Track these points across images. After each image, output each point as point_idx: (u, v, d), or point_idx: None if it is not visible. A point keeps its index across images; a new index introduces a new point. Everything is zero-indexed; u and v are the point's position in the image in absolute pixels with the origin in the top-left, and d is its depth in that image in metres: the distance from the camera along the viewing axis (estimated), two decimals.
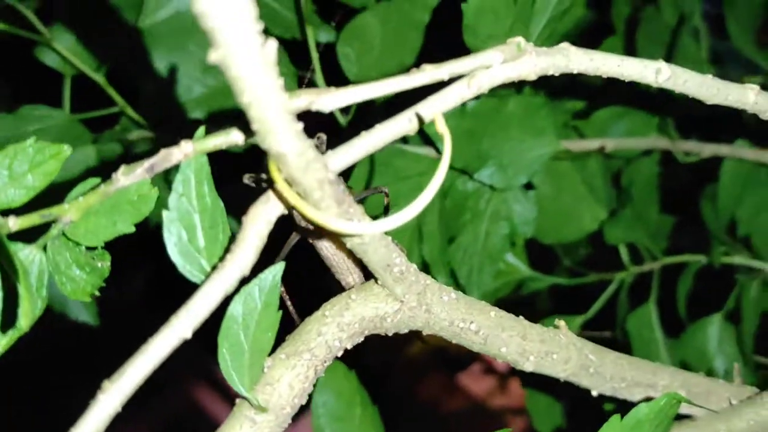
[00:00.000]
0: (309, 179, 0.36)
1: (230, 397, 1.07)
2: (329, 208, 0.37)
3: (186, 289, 0.36)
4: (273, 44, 0.31)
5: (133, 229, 0.40)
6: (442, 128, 0.36)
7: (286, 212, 0.38)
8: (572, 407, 0.86)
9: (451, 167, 0.77)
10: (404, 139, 0.80)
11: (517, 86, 0.76)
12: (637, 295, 0.87)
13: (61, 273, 0.38)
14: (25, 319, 0.32)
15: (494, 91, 0.76)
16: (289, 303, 0.47)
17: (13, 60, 0.84)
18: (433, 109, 0.39)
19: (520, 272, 0.86)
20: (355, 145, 0.39)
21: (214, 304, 0.36)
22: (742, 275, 0.83)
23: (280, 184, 0.36)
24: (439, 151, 0.77)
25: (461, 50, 0.41)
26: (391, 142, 0.40)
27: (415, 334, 0.47)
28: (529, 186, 0.82)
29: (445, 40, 0.85)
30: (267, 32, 0.80)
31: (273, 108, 0.32)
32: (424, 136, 0.78)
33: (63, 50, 0.76)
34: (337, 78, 0.79)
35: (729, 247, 0.83)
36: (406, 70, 0.40)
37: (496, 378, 1.31)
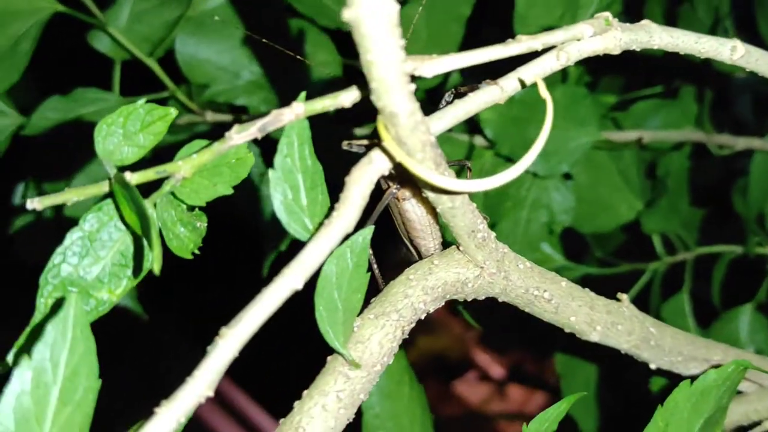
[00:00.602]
0: (414, 140, 0.37)
1: (230, 410, 1.08)
2: (429, 169, 0.38)
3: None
4: (397, 7, 0.32)
5: (231, 191, 0.42)
6: (544, 92, 0.38)
7: (385, 174, 0.40)
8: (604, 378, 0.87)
9: (497, 154, 0.79)
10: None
11: (563, 76, 0.78)
12: (669, 285, 0.88)
13: (168, 229, 0.40)
14: (156, 264, 0.33)
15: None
16: (375, 267, 0.49)
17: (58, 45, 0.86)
18: (527, 76, 0.41)
19: (555, 261, 0.88)
20: (450, 112, 0.41)
21: (322, 258, 0.38)
22: None
23: (389, 143, 0.37)
24: (486, 138, 0.79)
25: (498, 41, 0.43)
26: (484, 108, 0.42)
27: (409, 341, 0.49)
28: (567, 176, 0.83)
29: (485, 33, 0.87)
30: (314, 22, 0.82)
31: (393, 68, 0.34)
32: (471, 124, 0.80)
33: (117, 34, 0.77)
34: None
35: (761, 238, 0.85)
36: None
37: (492, 385, 1.31)
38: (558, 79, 0.78)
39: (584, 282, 0.95)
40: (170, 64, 0.81)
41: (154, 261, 0.33)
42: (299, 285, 0.37)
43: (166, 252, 0.41)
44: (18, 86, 0.78)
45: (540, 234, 0.83)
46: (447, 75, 0.80)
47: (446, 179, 0.37)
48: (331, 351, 0.43)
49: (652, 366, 0.56)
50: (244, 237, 0.95)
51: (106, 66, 0.81)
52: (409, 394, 0.72)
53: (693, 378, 0.50)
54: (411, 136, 0.37)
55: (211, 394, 0.35)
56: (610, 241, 0.96)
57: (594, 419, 0.87)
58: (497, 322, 1.11)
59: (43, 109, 0.75)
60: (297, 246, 0.39)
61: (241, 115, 0.83)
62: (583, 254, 0.95)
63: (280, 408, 0.44)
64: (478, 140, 0.81)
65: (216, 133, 0.85)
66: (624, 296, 0.54)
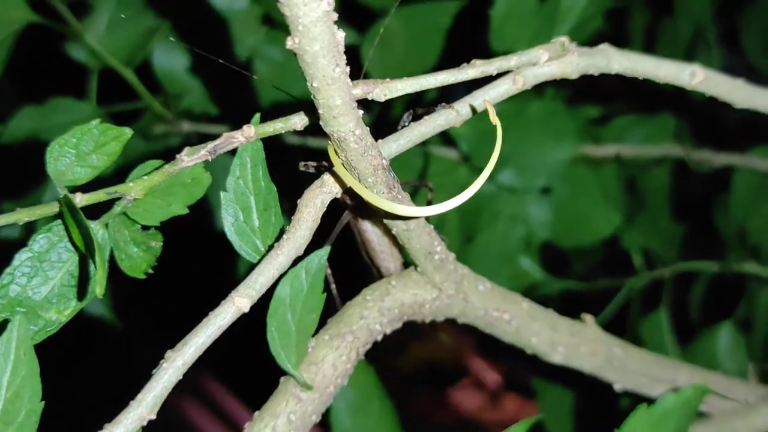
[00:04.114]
0: (365, 164, 0.37)
1: (218, 412, 1.08)
2: (381, 193, 0.38)
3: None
4: (342, 35, 0.32)
5: (186, 211, 0.42)
6: (494, 118, 0.38)
7: (338, 196, 0.40)
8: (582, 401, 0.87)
9: (473, 167, 0.79)
10: (424, 142, 0.81)
11: (539, 90, 0.78)
12: (648, 300, 0.88)
13: (120, 249, 0.40)
14: (99, 288, 0.33)
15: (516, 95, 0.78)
16: (333, 286, 0.49)
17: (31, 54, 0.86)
18: (480, 101, 0.41)
19: (533, 275, 0.87)
20: (405, 135, 0.41)
21: (271, 281, 0.38)
22: (752, 283, 0.85)
23: (339, 168, 0.37)
24: (462, 151, 0.79)
25: (479, 54, 0.43)
26: (439, 131, 0.42)
27: (402, 348, 0.49)
28: (545, 190, 0.83)
29: (465, 44, 0.87)
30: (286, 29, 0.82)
31: (339, 95, 0.34)
32: (445, 137, 0.80)
33: (94, 44, 0.77)
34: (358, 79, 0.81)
35: (740, 255, 0.85)
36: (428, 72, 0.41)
37: (487, 393, 1.31)
38: (534, 94, 0.78)
39: (563, 297, 0.95)
40: (147, 74, 0.81)
41: (97, 284, 0.33)
42: (246, 308, 0.37)
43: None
44: None
45: (517, 248, 0.83)
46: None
47: (395, 205, 0.37)
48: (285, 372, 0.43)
49: (617, 387, 0.56)
50: (221, 245, 0.94)
51: (83, 75, 0.81)
52: (378, 409, 0.72)
53: (655, 400, 0.50)
54: (361, 160, 0.37)
55: (153, 417, 0.35)
56: (590, 256, 0.96)
57: None
58: None
59: (18, 119, 0.76)
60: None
61: (217, 124, 0.83)
62: (562, 269, 0.95)
63: (258, 400, 0.43)
64: (452, 154, 0.81)
65: (191, 142, 0.85)
66: (588, 317, 0.54)
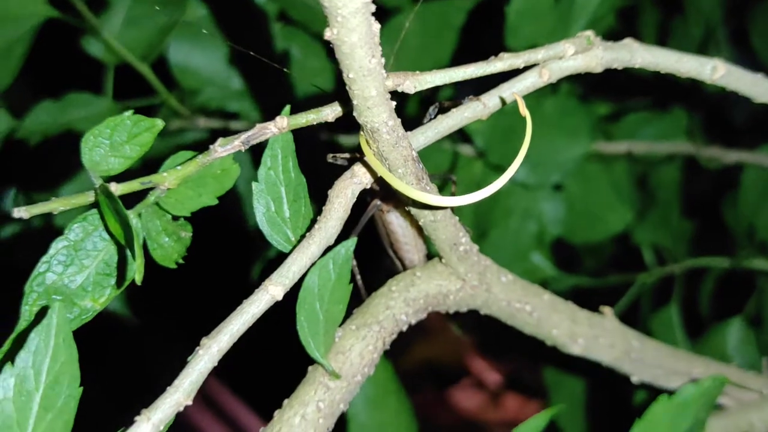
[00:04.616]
0: (396, 155, 0.38)
1: (217, 410, 1.08)
2: (410, 184, 0.39)
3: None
4: (378, 26, 0.33)
5: (216, 202, 0.42)
6: (524, 110, 0.39)
7: (368, 187, 0.41)
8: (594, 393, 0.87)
9: (487, 163, 0.79)
10: None
11: (553, 87, 0.78)
12: (658, 296, 0.89)
13: (152, 239, 0.40)
14: (138, 275, 0.34)
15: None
16: (358, 278, 0.49)
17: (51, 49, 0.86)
18: (508, 93, 0.42)
19: (545, 271, 0.88)
20: (433, 127, 0.41)
21: (303, 270, 0.38)
22: (762, 279, 0.85)
23: (370, 158, 0.38)
24: (476, 148, 0.80)
25: (492, 53, 0.44)
26: (466, 124, 0.42)
27: (403, 348, 0.49)
28: (558, 187, 0.84)
29: (478, 42, 0.88)
30: (306, 29, 0.83)
31: (374, 86, 0.34)
32: (461, 133, 0.81)
33: (111, 39, 0.78)
34: None
35: (749, 251, 0.86)
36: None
37: (488, 393, 1.31)
38: (549, 91, 0.79)
39: (574, 293, 0.96)
40: (163, 70, 0.82)
41: (136, 272, 0.34)
42: (279, 296, 0.37)
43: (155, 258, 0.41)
44: (10, 90, 0.79)
45: (530, 244, 0.84)
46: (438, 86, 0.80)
47: (425, 194, 0.37)
48: (313, 360, 0.43)
49: (634, 379, 0.56)
50: (235, 242, 0.95)
51: (99, 71, 0.82)
52: (395, 404, 0.73)
53: (672, 392, 0.50)
54: (392, 151, 0.38)
55: (189, 402, 0.35)
56: (601, 252, 0.96)
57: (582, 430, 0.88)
58: (493, 329, 1.11)
59: (36, 113, 0.76)
60: (285, 253, 0.39)
61: (232, 120, 0.84)
62: (573, 265, 0.95)
63: (268, 409, 0.44)
64: (467, 150, 0.82)
65: (207, 139, 0.85)
66: (607, 309, 0.54)
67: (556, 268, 0.89)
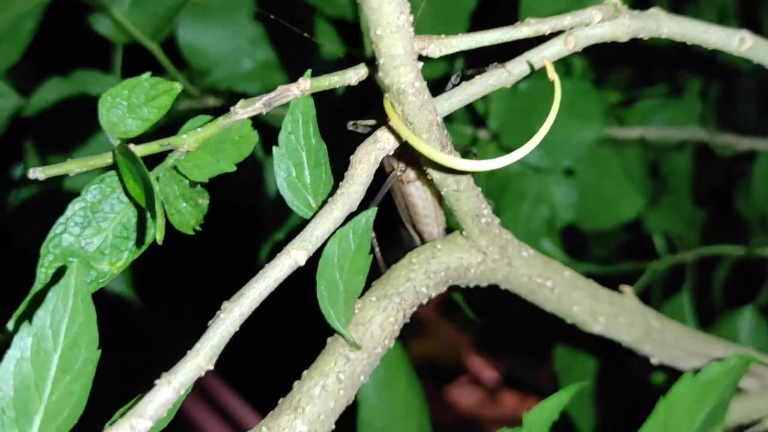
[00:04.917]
0: (421, 119, 0.37)
1: (221, 411, 1.07)
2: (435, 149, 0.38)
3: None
4: None
5: (234, 169, 0.42)
6: (552, 74, 0.38)
7: (391, 152, 0.40)
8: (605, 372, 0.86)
9: (500, 146, 0.78)
10: (449, 118, 0.81)
11: (567, 70, 0.78)
12: (669, 284, 0.88)
13: (170, 204, 0.39)
14: (159, 234, 0.33)
15: (545, 74, 0.78)
16: (377, 250, 0.48)
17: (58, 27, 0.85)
18: (536, 59, 0.41)
19: (555, 257, 0.87)
20: (457, 94, 0.41)
21: (326, 235, 0.38)
22: None
23: (395, 121, 0.37)
24: (489, 130, 0.79)
25: None
26: (491, 91, 0.41)
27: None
28: (570, 172, 0.83)
29: (490, 26, 0.87)
30: (318, 11, 0.82)
31: (402, 44, 0.33)
32: (474, 116, 0.80)
33: (120, 17, 0.77)
34: None
35: (763, 239, 0.85)
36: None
37: (485, 390, 1.30)
38: (562, 74, 0.78)
39: None
40: (172, 49, 0.81)
41: (157, 231, 0.33)
42: (301, 261, 0.37)
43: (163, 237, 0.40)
44: (17, 68, 0.78)
45: (540, 230, 0.83)
46: (451, 65, 0.79)
47: (452, 158, 0.37)
48: (327, 336, 0.42)
49: (654, 360, 0.55)
50: (241, 224, 0.94)
51: (107, 49, 0.81)
52: (406, 385, 0.72)
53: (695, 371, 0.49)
54: (418, 114, 0.37)
55: (211, 367, 0.34)
56: (611, 240, 0.96)
57: (591, 418, 0.87)
58: (491, 326, 1.10)
59: (43, 91, 0.75)
60: (295, 234, 0.38)
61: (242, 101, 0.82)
62: (583, 252, 0.94)
63: (265, 404, 0.43)
64: (482, 134, 0.81)
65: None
66: (627, 288, 0.54)
67: (566, 256, 0.88)
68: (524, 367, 1.26)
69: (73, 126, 0.73)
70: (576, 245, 0.90)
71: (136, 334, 0.98)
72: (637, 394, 0.80)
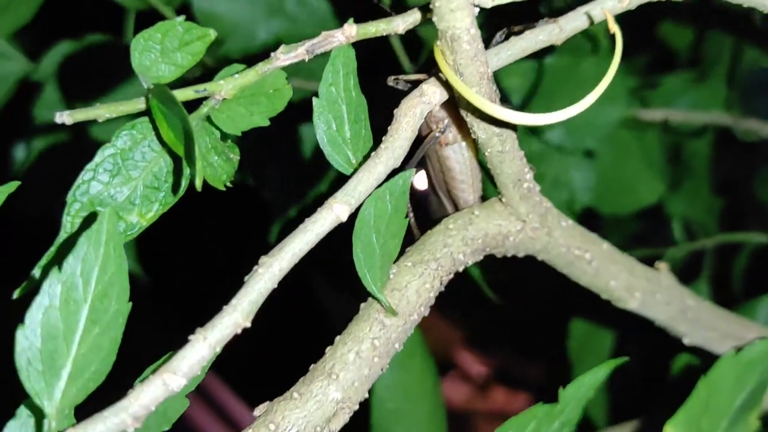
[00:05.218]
0: (472, 70, 0.35)
1: (218, 410, 1.05)
2: None
3: None
4: None
5: (267, 123, 0.39)
6: (613, 26, 0.36)
7: (437, 107, 0.38)
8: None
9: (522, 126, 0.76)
10: None
11: (594, 47, 0.76)
12: (687, 272, 0.86)
13: (202, 156, 0.37)
14: (198, 179, 0.31)
15: (570, 50, 0.76)
16: (412, 215, 0.46)
17: None
18: (597, 11, 0.39)
19: None
20: (506, 49, 0.39)
21: (370, 190, 0.36)
22: None
23: (446, 70, 0.35)
24: (513, 106, 0.77)
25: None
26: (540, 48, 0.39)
27: None
28: (589, 153, 0.81)
29: None
30: None
31: None
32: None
33: None
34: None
35: None
36: None
37: (475, 385, 1.29)
38: (588, 51, 0.76)
39: None
40: (187, 16, 0.78)
41: (197, 176, 0.31)
42: (344, 217, 0.35)
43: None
44: (25, 31, 0.75)
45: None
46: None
47: (506, 110, 0.35)
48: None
49: (686, 341, 0.54)
50: (249, 207, 0.92)
51: (119, 15, 0.78)
52: (420, 366, 0.70)
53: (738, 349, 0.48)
54: (470, 65, 0.35)
55: (248, 324, 0.32)
56: (628, 226, 0.94)
57: (603, 407, 0.85)
58: (482, 322, 1.09)
59: (53, 54, 0.73)
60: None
61: None
62: (601, 236, 0.92)
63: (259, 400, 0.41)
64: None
65: None
66: (663, 265, 0.52)
67: None
68: (514, 363, 1.25)
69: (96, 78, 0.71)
70: (593, 230, 0.89)
71: (142, 310, 0.96)
72: (651, 381, 0.78)
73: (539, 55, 0.75)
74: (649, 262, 0.86)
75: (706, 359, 0.56)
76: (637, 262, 0.50)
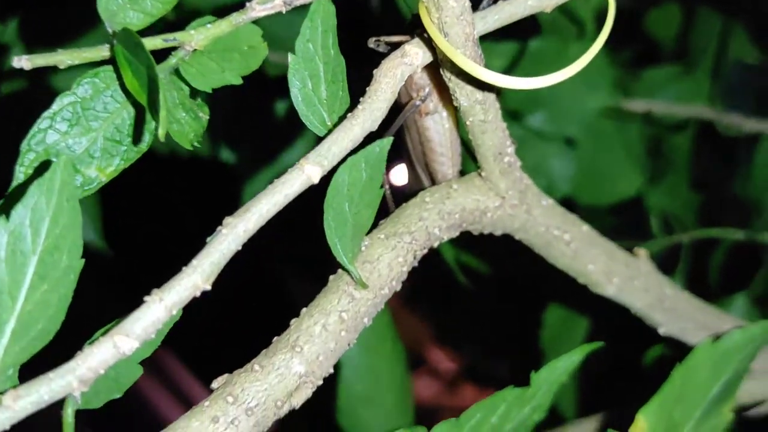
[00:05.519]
0: (458, 30, 0.34)
1: (173, 387, 1.03)
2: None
3: None
4: None
5: (240, 81, 0.37)
6: None
7: (418, 70, 0.36)
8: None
9: (504, 108, 0.75)
10: None
11: (580, 31, 0.74)
12: (663, 267, 0.85)
13: (169, 111, 0.35)
14: (162, 129, 0.29)
15: (556, 34, 0.75)
16: (387, 187, 0.44)
17: None
18: None
19: None
20: (494, 13, 0.37)
21: (344, 152, 0.34)
22: None
23: (431, 29, 0.33)
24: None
25: None
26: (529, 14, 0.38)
27: None
28: (569, 142, 0.80)
29: None
30: None
31: None
32: None
33: None
34: None
35: (763, 224, 0.83)
36: None
37: (444, 382, 1.29)
38: (574, 36, 0.75)
39: None
40: None
41: (160, 125, 0.29)
42: (315, 178, 0.33)
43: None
44: None
45: None
46: None
47: (493, 73, 0.33)
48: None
49: (661, 331, 0.52)
50: (221, 179, 0.90)
51: None
52: (390, 350, 0.68)
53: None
54: (455, 24, 0.33)
55: (208, 287, 0.30)
56: (603, 220, 0.93)
57: (572, 398, 0.84)
58: (451, 318, 1.08)
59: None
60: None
61: None
62: None
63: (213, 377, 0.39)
64: None
65: None
66: (642, 251, 0.51)
67: None
68: (483, 359, 1.25)
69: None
70: None
71: (105, 285, 0.93)
72: (625, 370, 0.77)
73: (523, 37, 0.74)
74: None
75: (680, 351, 0.55)
76: (616, 247, 0.48)
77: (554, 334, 0.80)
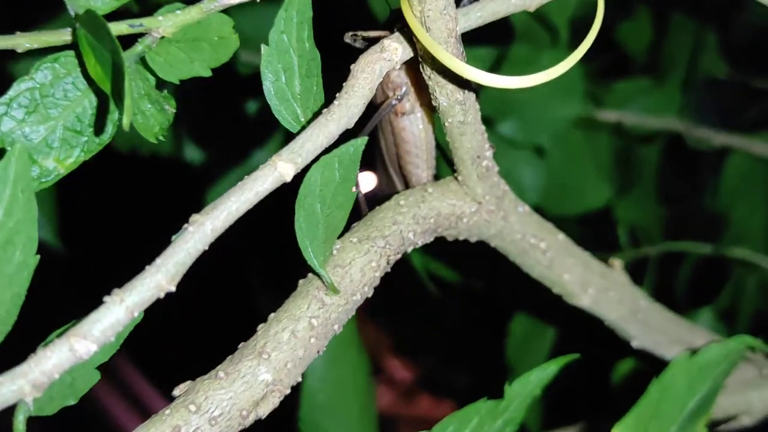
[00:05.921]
0: (440, 25, 0.32)
1: (130, 396, 1.00)
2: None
3: None
4: None
5: (209, 73, 0.36)
6: None
7: (397, 66, 0.35)
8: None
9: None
10: None
11: (553, 39, 0.73)
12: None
13: (134, 102, 0.33)
14: (126, 117, 0.27)
15: (529, 41, 0.74)
16: (361, 190, 0.43)
17: None
18: None
19: None
20: (476, 10, 0.36)
21: (319, 150, 0.32)
22: (739, 269, 0.82)
23: (413, 23, 0.32)
24: None
25: None
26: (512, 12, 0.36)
27: None
28: (539, 151, 0.79)
29: None
30: None
31: None
32: None
33: None
34: None
35: (730, 239, 0.83)
36: None
37: (401, 391, 1.28)
38: (547, 44, 0.74)
39: None
40: None
41: (124, 114, 0.27)
42: (288, 176, 0.31)
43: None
44: None
45: None
46: None
47: (476, 70, 0.32)
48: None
49: (634, 344, 0.51)
50: (183, 177, 0.87)
51: None
52: (355, 360, 0.67)
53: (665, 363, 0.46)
54: (439, 19, 0.32)
55: (172, 288, 0.28)
56: (571, 231, 0.92)
57: (537, 412, 0.83)
58: (410, 330, 1.07)
59: None
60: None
61: None
62: None
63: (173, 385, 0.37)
64: None
65: None
66: (617, 262, 0.50)
67: None
68: (440, 370, 1.25)
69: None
70: None
71: (61, 285, 0.90)
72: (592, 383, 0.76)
73: (497, 43, 0.73)
74: None
75: (652, 365, 0.54)
76: (592, 258, 0.47)
77: (519, 343, 0.79)
